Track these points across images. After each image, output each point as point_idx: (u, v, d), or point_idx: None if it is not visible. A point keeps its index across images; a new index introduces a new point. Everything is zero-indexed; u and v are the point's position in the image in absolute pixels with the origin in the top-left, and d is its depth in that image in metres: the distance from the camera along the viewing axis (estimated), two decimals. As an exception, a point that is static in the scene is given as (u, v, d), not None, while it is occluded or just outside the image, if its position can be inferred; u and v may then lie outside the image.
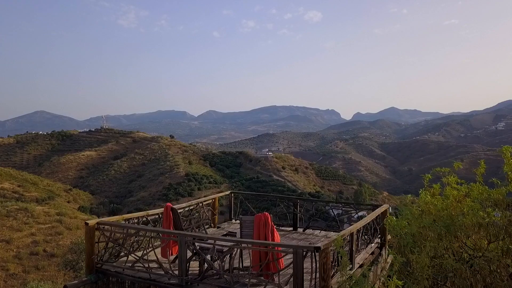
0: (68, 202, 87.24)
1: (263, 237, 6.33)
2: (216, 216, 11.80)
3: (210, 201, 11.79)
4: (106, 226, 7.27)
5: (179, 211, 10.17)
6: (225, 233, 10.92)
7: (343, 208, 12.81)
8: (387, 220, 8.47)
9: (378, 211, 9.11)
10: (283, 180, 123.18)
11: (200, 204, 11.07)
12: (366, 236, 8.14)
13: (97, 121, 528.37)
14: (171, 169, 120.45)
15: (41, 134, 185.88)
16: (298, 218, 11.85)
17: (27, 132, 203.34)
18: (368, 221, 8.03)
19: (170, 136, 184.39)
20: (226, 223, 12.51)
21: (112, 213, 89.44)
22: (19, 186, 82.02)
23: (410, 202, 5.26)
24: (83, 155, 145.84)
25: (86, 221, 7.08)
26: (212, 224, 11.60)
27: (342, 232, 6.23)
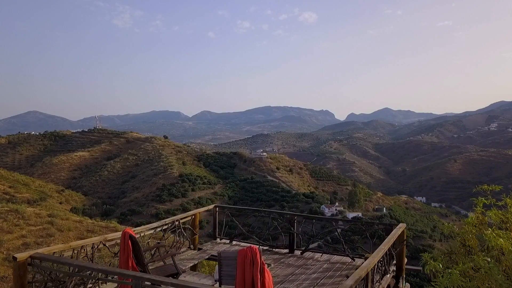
0: (60, 203, 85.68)
1: (249, 281, 4.66)
2: (197, 236, 10.09)
3: (189, 218, 9.91)
4: (42, 262, 5.52)
5: (149, 232, 8.53)
6: (207, 256, 9.11)
7: (345, 224, 11.11)
8: (404, 242, 6.82)
9: (395, 233, 7.31)
10: (277, 180, 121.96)
11: (177, 223, 9.26)
12: (380, 264, 6.54)
13: (90, 122, 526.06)
14: (165, 170, 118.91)
15: (33, 134, 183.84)
16: (296, 238, 9.98)
17: (19, 132, 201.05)
18: (385, 251, 6.33)
19: (164, 136, 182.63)
20: (209, 243, 10.74)
21: (105, 214, 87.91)
22: (10, 187, 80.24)
23: (458, 241, 3.68)
24: (76, 155, 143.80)
25: (14, 255, 5.33)
26: (192, 246, 9.95)
27: (357, 273, 4.68)
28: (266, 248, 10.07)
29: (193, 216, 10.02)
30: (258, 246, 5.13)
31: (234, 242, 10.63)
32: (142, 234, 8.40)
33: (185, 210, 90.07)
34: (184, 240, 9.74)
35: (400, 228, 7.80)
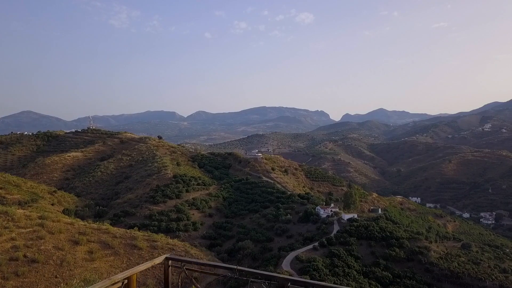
0: (52, 204, 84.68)
1: None
2: None
3: (119, 285, 5.99)
4: None
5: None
6: None
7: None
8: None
9: None
10: (272, 181, 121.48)
11: None
12: None
13: (85, 122, 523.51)
14: (159, 171, 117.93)
15: (26, 134, 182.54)
16: None
17: (11, 132, 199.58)
18: None
19: (158, 137, 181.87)
20: None
21: (98, 215, 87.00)
22: (0, 188, 79.41)
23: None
24: (69, 156, 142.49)
25: None
26: None
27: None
28: None
29: (126, 281, 6.17)
30: None
31: None
32: None
33: (179, 211, 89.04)
34: None
35: None
